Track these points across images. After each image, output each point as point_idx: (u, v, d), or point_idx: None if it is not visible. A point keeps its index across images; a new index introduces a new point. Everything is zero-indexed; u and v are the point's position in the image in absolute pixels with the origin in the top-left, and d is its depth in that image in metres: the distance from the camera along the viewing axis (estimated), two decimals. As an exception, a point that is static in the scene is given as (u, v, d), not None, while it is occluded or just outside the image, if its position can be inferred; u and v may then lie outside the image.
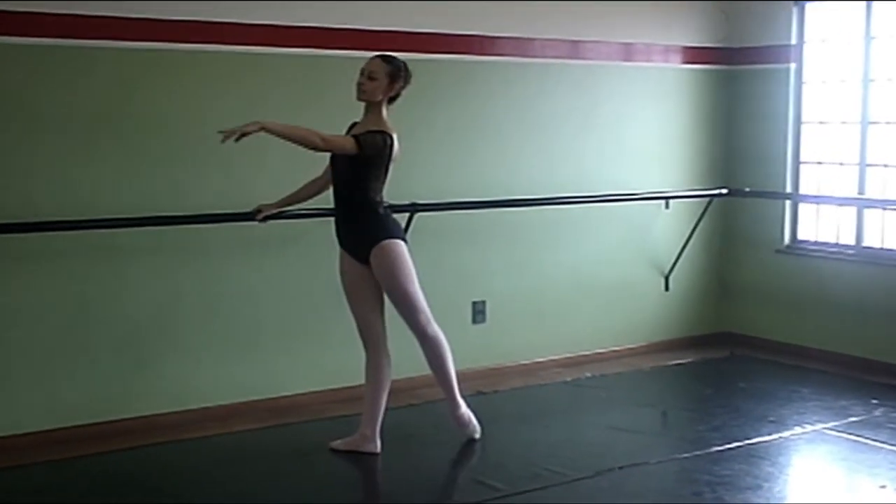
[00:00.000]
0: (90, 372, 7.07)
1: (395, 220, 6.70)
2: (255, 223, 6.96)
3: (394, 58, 6.60)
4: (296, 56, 7.59)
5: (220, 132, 6.16)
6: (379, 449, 6.73)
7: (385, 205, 6.63)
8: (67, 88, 6.86)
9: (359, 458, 6.68)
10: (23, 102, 6.74)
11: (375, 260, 6.54)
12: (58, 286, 6.92)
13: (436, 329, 6.77)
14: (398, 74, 6.54)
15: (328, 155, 6.63)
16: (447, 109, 8.26)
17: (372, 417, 6.75)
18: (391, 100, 6.60)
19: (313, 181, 6.87)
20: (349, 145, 6.36)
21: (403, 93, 6.62)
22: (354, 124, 6.65)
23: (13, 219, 6.57)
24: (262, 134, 6.22)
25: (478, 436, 6.99)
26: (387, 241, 6.53)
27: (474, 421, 7.01)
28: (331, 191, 6.70)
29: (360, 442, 6.75)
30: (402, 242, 6.60)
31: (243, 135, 6.19)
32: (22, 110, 6.74)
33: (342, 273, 6.75)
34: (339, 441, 6.82)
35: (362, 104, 6.56)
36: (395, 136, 6.50)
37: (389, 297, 6.65)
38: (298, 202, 6.97)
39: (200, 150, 7.28)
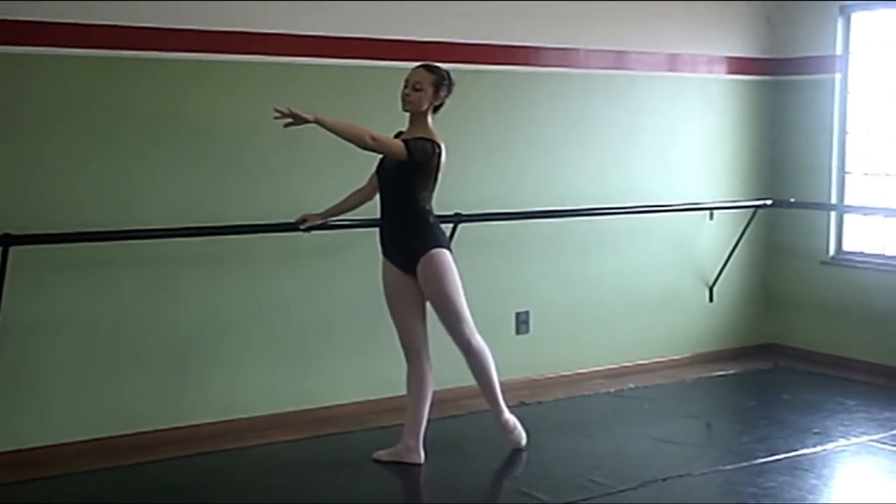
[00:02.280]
0: (134, 382, 7.11)
1: (442, 230, 6.70)
2: (300, 233, 6.99)
3: (437, 67, 6.60)
4: (342, 67, 7.62)
5: (276, 109, 6.18)
6: (423, 459, 6.74)
7: (434, 214, 6.64)
8: (117, 99, 6.92)
9: (402, 468, 6.69)
10: (71, 113, 6.79)
11: (423, 269, 6.53)
12: (102, 296, 6.97)
13: (480, 340, 6.76)
14: (442, 84, 6.55)
15: (373, 165, 6.65)
16: (492, 120, 8.27)
17: (415, 428, 6.76)
18: (435, 109, 6.61)
19: (358, 191, 6.88)
20: (399, 149, 6.34)
21: (447, 102, 6.63)
22: (400, 133, 6.66)
23: (59, 229, 6.63)
24: (315, 127, 6.24)
25: (524, 443, 6.99)
26: (435, 251, 6.53)
27: (519, 427, 7.01)
28: (377, 201, 6.71)
29: (404, 452, 6.76)
30: (448, 252, 6.60)
31: (295, 122, 6.21)
32: (70, 120, 6.79)
33: (385, 283, 6.75)
34: (382, 451, 6.83)
35: (406, 113, 6.57)
36: (443, 146, 6.51)
37: (434, 307, 6.65)
38: (343, 212, 6.97)
39: (246, 161, 7.34)
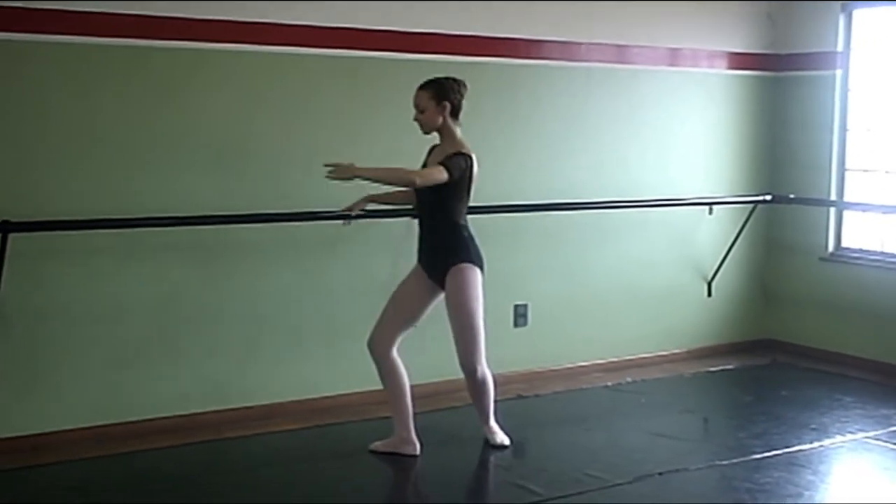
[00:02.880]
0: (131, 370, 7.11)
1: (476, 246, 6.70)
2: (298, 223, 7.03)
3: (431, 80, 6.61)
4: (340, 58, 7.61)
5: (326, 165, 6.32)
6: (418, 450, 6.76)
7: (468, 228, 6.67)
8: (116, 87, 6.91)
9: (399, 459, 6.71)
10: (69, 101, 6.79)
11: (450, 280, 6.58)
12: (99, 285, 6.97)
13: (486, 371, 6.77)
14: (442, 92, 6.56)
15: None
16: (491, 113, 8.26)
17: (403, 420, 6.78)
18: (454, 114, 6.62)
19: (405, 190, 6.87)
20: (441, 176, 6.39)
21: (464, 103, 6.65)
22: (434, 147, 6.72)
23: (57, 217, 6.63)
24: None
25: (507, 442, 6.97)
26: (466, 265, 6.57)
27: (502, 433, 7.00)
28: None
29: (399, 444, 6.77)
30: (479, 271, 6.64)
31: (339, 175, 6.32)
32: (68, 108, 6.79)
33: (405, 278, 6.81)
34: (378, 442, 6.85)
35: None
36: (474, 157, 6.54)
37: (452, 321, 6.65)
38: (387, 204, 7.08)
39: (245, 151, 7.34)
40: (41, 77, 6.71)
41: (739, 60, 9.64)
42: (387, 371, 6.75)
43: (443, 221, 6.58)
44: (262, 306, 7.52)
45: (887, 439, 7.19)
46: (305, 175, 7.41)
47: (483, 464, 6.85)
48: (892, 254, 9.17)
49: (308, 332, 7.70)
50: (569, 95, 8.69)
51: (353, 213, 6.98)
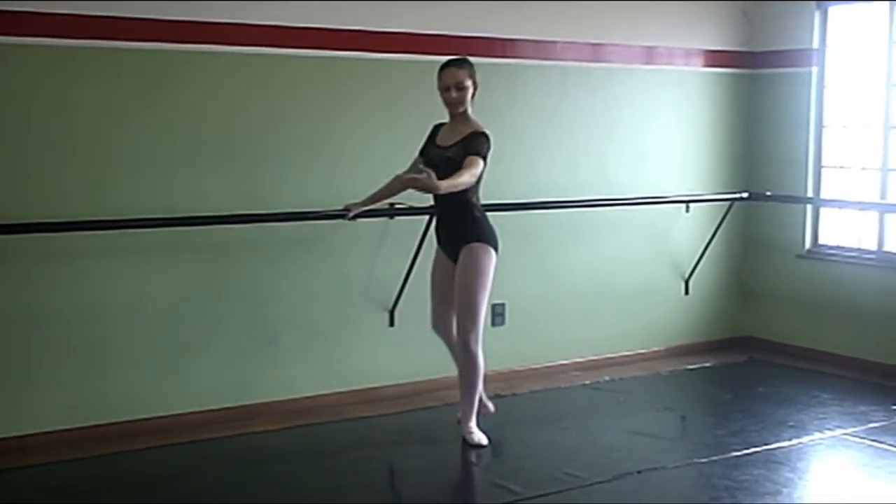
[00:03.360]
0: (110, 371, 7.08)
1: (490, 226, 6.78)
2: (277, 224, 7.02)
3: (463, 60, 6.70)
4: (316, 58, 7.57)
5: (422, 168, 6.37)
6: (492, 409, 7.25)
7: (480, 207, 6.75)
8: (94, 88, 6.88)
9: (378, 459, 6.76)
10: (51, 102, 6.76)
11: (462, 258, 6.66)
12: (78, 286, 6.93)
13: (479, 350, 6.82)
14: (474, 71, 6.68)
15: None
16: (468, 112, 8.27)
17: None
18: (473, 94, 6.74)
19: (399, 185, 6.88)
20: (480, 167, 6.54)
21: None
22: (440, 125, 6.83)
23: (34, 219, 6.59)
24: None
25: (484, 442, 6.96)
26: (477, 244, 6.67)
27: (479, 433, 6.99)
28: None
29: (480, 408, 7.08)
30: (493, 251, 6.72)
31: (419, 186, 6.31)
32: (49, 110, 6.76)
33: (433, 267, 6.96)
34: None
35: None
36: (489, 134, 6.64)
37: (456, 298, 6.72)
38: (387, 198, 7.09)
39: (223, 151, 7.31)
40: (24, 79, 6.68)
41: (715, 58, 9.65)
42: (451, 347, 6.97)
43: (458, 201, 6.62)
44: (242, 307, 7.49)
45: (865, 436, 7.21)
46: (283, 176, 7.42)
47: (462, 463, 6.84)
48: (869, 250, 9.19)
49: (287, 333, 7.68)
50: (544, 94, 8.68)
51: (349, 217, 7.00)
